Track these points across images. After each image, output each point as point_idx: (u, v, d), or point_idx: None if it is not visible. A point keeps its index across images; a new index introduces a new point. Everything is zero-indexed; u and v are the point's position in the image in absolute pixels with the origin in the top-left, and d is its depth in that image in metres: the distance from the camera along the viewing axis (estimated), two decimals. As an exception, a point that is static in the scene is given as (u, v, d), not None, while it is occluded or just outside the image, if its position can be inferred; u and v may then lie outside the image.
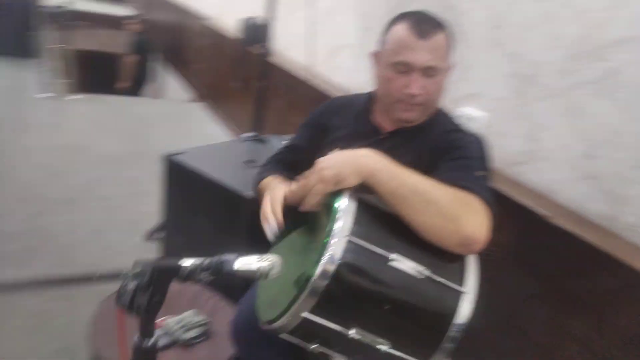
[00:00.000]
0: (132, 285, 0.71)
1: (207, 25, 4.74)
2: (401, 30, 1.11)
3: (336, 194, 0.95)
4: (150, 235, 2.48)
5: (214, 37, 4.62)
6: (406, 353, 0.93)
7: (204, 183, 1.97)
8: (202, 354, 1.41)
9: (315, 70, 3.21)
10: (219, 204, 1.97)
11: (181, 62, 5.79)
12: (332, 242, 0.86)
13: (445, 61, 1.14)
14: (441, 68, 1.13)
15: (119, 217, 2.69)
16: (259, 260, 0.92)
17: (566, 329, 1.60)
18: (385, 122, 1.25)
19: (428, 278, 0.92)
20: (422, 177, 0.96)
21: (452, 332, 0.91)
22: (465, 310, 0.92)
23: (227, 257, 0.89)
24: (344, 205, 0.91)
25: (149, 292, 0.71)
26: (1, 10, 5.41)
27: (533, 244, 1.70)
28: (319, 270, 0.84)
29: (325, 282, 0.84)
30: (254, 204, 1.24)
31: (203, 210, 2.06)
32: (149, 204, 2.31)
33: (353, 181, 0.94)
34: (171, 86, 6.42)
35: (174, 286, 1.61)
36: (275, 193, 1.12)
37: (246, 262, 0.91)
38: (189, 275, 0.77)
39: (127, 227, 2.60)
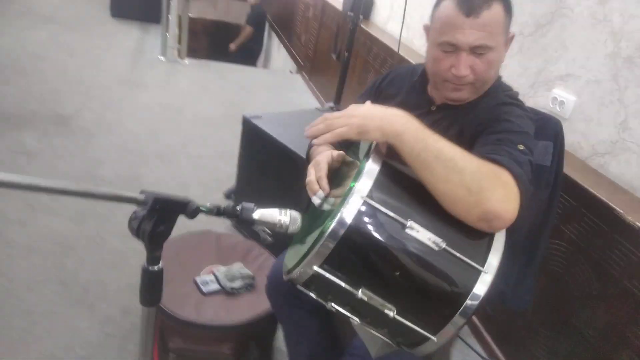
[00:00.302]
0: (141, 212, 0.77)
1: (317, -4, 4.79)
2: (448, 6, 1.04)
3: (367, 154, 0.94)
4: (229, 194, 2.64)
5: (320, 9, 4.66)
6: (412, 322, 0.90)
7: (273, 145, 2.05)
8: (242, 303, 1.49)
9: (412, 46, 3.13)
10: (284, 166, 2.03)
11: (289, 33, 5.94)
12: (349, 200, 0.85)
13: (499, 37, 1.05)
14: (493, 45, 1.04)
15: (204, 174, 2.88)
16: (280, 214, 0.97)
17: (624, 335, 1.45)
18: (437, 95, 1.20)
19: (445, 250, 0.87)
20: (451, 144, 0.90)
21: (463, 310, 0.86)
22: (480, 289, 0.86)
23: (246, 205, 0.94)
24: (368, 166, 0.90)
25: (152, 222, 0.77)
26: (134, -22, 5.93)
27: (603, 241, 1.55)
28: (331, 226, 0.84)
29: (336, 239, 0.84)
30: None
31: (271, 170, 2.14)
32: (232, 165, 2.45)
33: (376, 136, 0.91)
34: (278, 57, 6.63)
35: (230, 239, 1.73)
36: (320, 160, 1.11)
37: (268, 214, 0.96)
38: (195, 213, 0.82)
39: (211, 184, 2.78)
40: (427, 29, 1.14)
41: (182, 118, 3.62)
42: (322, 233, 0.86)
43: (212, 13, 9.35)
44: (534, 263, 1.51)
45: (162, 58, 4.82)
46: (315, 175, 1.06)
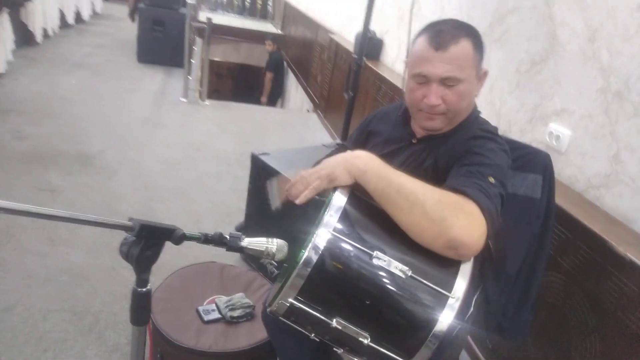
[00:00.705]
0: (130, 238, 0.85)
1: (332, 39, 4.98)
2: (421, 42, 1.14)
3: (334, 190, 1.01)
4: (239, 228, 2.72)
5: (334, 51, 4.84)
6: (387, 349, 0.94)
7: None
8: (241, 331, 1.54)
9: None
10: (290, 202, 2.10)
11: (306, 74, 6.15)
12: (318, 232, 0.92)
13: (468, 70, 1.13)
14: (462, 78, 1.12)
15: (218, 209, 2.98)
16: (267, 242, 1.04)
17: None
18: (417, 129, 1.27)
19: (411, 278, 0.92)
20: (412, 179, 0.97)
21: (434, 334, 0.90)
22: (448, 314, 0.91)
23: (234, 233, 1.01)
24: (335, 200, 0.97)
25: (139, 247, 0.85)
26: (162, 25, 6.27)
27: (597, 273, 1.55)
28: (302, 259, 0.90)
29: (307, 272, 0.90)
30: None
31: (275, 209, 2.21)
32: (244, 200, 2.55)
33: (345, 179, 1.00)
34: (296, 96, 6.84)
35: (234, 270, 1.79)
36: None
37: (255, 242, 1.03)
38: (181, 239, 0.89)
39: (223, 218, 2.88)
40: (406, 64, 1.23)
41: (199, 155, 3.77)
42: (294, 266, 0.92)
43: (236, 56, 9.74)
44: (530, 295, 1.53)
45: (183, 99, 5.05)
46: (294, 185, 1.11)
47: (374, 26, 3.70)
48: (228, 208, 2.99)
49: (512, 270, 1.51)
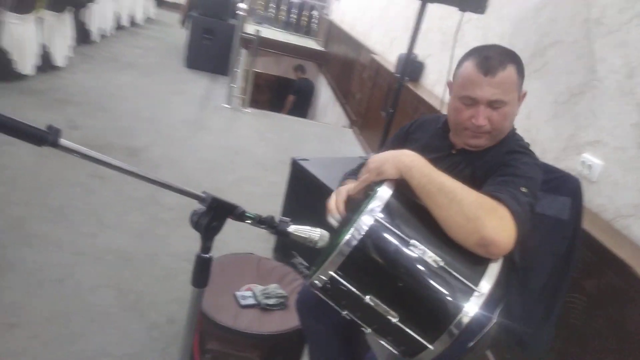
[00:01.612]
0: (201, 209, 0.99)
1: (373, 59, 5.13)
2: (469, 66, 1.23)
3: (381, 184, 1.12)
4: (273, 229, 2.84)
5: (375, 70, 4.99)
6: (412, 330, 1.02)
7: (316, 186, 2.25)
8: (274, 318, 1.65)
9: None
10: (325, 206, 2.22)
11: (346, 91, 6.30)
12: (362, 218, 1.02)
13: (512, 93, 1.23)
14: (507, 100, 1.22)
15: (253, 210, 3.11)
16: (311, 231, 1.15)
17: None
18: (457, 141, 1.38)
19: (442, 269, 1.01)
20: (453, 179, 1.07)
21: (457, 322, 0.97)
22: (472, 307, 0.98)
23: (283, 218, 1.14)
24: (381, 191, 1.08)
25: (208, 217, 0.98)
26: (212, 34, 6.54)
27: (622, 299, 1.61)
28: (345, 237, 1.00)
29: (349, 249, 1.00)
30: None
31: (312, 209, 2.32)
32: (278, 204, 2.69)
33: (392, 173, 1.10)
34: (333, 112, 7.00)
35: (270, 263, 1.91)
36: (341, 189, 1.29)
37: (301, 229, 1.15)
38: (241, 217, 1.02)
39: (258, 219, 3.01)
40: (450, 84, 1.34)
41: (239, 159, 3.93)
42: (337, 243, 1.03)
43: (275, 69, 10.02)
44: (553, 313, 1.59)
45: (226, 106, 5.26)
46: (335, 200, 1.25)
47: (417, 49, 3.83)
48: (264, 211, 3.11)
49: (536, 285, 1.58)
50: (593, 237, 1.76)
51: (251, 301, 1.72)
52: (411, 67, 3.75)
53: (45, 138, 0.66)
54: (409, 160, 1.10)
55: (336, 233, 1.24)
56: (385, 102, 3.80)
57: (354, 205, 1.27)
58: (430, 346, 1.01)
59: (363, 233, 1.00)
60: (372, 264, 1.02)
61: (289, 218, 1.15)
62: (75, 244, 2.35)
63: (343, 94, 6.47)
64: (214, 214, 0.98)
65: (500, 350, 2.05)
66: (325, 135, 5.26)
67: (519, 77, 1.25)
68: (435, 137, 1.45)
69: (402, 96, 3.77)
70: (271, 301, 1.72)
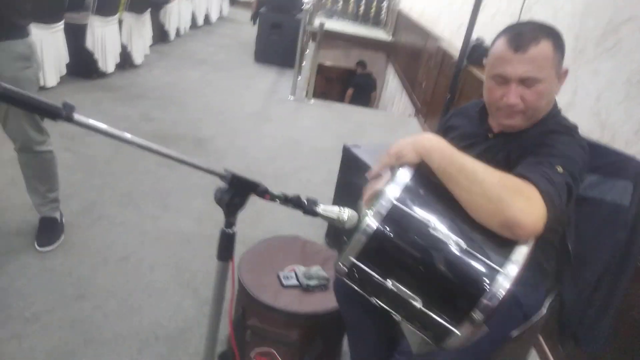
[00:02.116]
0: (224, 186, 1.02)
1: (439, 47, 5.00)
2: (500, 44, 1.18)
3: (401, 166, 1.10)
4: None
5: (441, 57, 4.85)
6: (437, 315, 0.99)
7: (365, 171, 2.24)
8: (314, 299, 1.67)
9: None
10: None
11: (413, 80, 6.19)
12: (381, 201, 1.00)
13: (547, 70, 1.16)
14: (541, 77, 1.15)
15: (310, 196, 3.16)
16: (340, 211, 1.16)
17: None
18: (494, 124, 1.32)
19: (466, 251, 0.96)
20: (475, 160, 1.02)
21: (482, 307, 0.93)
22: (497, 289, 0.93)
23: (311, 198, 1.15)
24: (400, 174, 1.05)
25: (230, 194, 1.01)
26: (280, 28, 6.68)
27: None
28: (365, 222, 0.99)
29: (368, 234, 0.98)
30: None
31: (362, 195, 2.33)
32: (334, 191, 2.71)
33: (412, 157, 1.06)
34: (400, 102, 6.89)
35: (314, 246, 1.94)
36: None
37: (329, 209, 1.16)
38: (263, 194, 1.04)
39: (314, 206, 3.05)
40: (485, 64, 1.28)
41: (300, 148, 4.00)
42: (357, 229, 1.02)
43: (345, 61, 10.02)
44: (611, 306, 1.48)
45: (291, 97, 5.36)
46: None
47: (484, 33, 3.67)
48: (319, 196, 3.14)
49: (592, 277, 1.48)
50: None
51: (293, 281, 1.75)
52: (477, 52, 3.60)
53: (60, 113, 0.71)
54: (428, 144, 1.06)
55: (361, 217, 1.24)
56: (450, 89, 3.68)
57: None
58: (456, 331, 0.97)
59: (381, 218, 0.98)
60: (392, 249, 1.00)
61: (316, 198, 1.16)
62: (139, 225, 2.52)
63: (410, 83, 6.35)
64: (235, 191, 1.01)
65: (554, 343, 1.94)
66: (389, 124, 5.20)
67: (556, 53, 1.17)
68: (474, 123, 1.40)
69: (468, 82, 3.65)
70: (312, 282, 1.74)
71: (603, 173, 1.45)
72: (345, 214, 1.16)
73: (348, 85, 8.58)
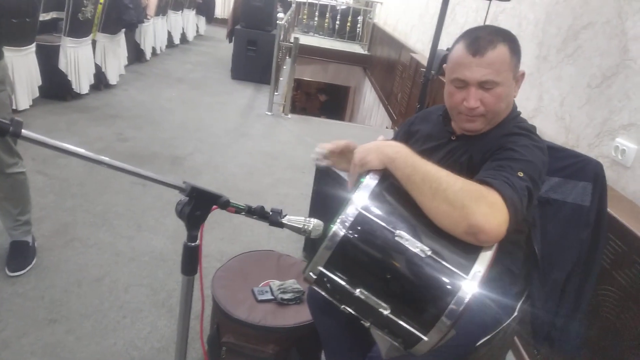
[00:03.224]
0: (184, 199, 1.02)
1: (412, 58, 5.08)
2: (458, 49, 1.21)
3: (367, 173, 1.11)
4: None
5: (414, 69, 4.93)
6: (405, 322, 0.99)
7: (338, 183, 2.26)
8: (289, 312, 1.67)
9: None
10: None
11: (388, 92, 6.26)
12: (347, 209, 1.01)
13: (505, 74, 1.19)
14: (499, 81, 1.18)
15: (287, 210, 3.15)
16: (305, 221, 1.17)
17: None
18: (456, 127, 1.34)
19: (430, 258, 0.97)
20: (438, 168, 1.03)
21: (449, 312, 0.94)
22: (463, 295, 0.94)
23: (275, 209, 1.16)
24: (366, 182, 1.07)
25: (190, 206, 1.01)
26: (255, 45, 6.72)
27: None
28: (331, 232, 0.99)
29: (334, 243, 0.99)
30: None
31: (336, 207, 2.34)
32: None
33: (375, 165, 1.08)
34: (377, 114, 6.97)
35: (290, 259, 1.93)
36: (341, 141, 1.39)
37: (294, 219, 1.17)
38: (225, 206, 1.05)
39: (292, 220, 3.05)
40: (445, 69, 1.31)
41: (276, 163, 4.01)
42: (324, 238, 1.03)
43: (323, 76, 10.11)
44: (581, 306, 1.51)
45: (268, 113, 5.37)
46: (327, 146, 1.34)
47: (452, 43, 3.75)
48: (297, 211, 3.15)
49: (559, 277, 1.50)
50: (626, 226, 1.66)
51: (268, 296, 1.74)
52: (431, 63, 3.65)
53: (6, 128, 0.71)
54: (392, 152, 1.08)
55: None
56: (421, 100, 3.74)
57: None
58: (424, 337, 0.98)
59: (347, 225, 0.99)
60: (359, 257, 1.01)
61: (280, 209, 1.17)
62: (114, 246, 2.49)
63: (386, 96, 6.43)
64: (196, 203, 1.02)
65: (528, 346, 1.96)
66: (366, 137, 5.19)
67: (513, 57, 1.20)
68: (436, 126, 1.42)
69: (440, 92, 3.70)
70: (287, 296, 1.73)
71: (564, 175, 1.48)
72: (311, 224, 1.17)
73: (339, 98, 8.70)
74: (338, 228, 0.99)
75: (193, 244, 1.07)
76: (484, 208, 0.98)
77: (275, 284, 1.79)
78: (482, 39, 1.18)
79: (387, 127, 5.89)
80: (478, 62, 1.17)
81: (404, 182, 1.05)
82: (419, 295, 1.00)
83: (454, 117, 1.31)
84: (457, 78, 1.21)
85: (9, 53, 3.43)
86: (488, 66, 1.17)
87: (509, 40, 1.21)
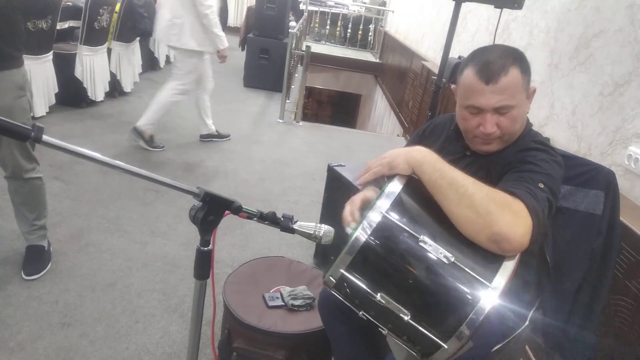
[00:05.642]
0: (198, 204, 1.04)
1: (423, 66, 5.09)
2: (469, 75, 1.20)
3: (392, 178, 1.11)
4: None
5: (425, 77, 4.94)
6: (425, 328, 0.98)
7: (350, 190, 2.27)
8: (300, 318, 1.68)
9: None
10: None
11: (400, 100, 6.27)
12: (371, 214, 1.00)
13: (519, 96, 1.19)
14: (514, 104, 1.19)
15: (297, 217, 3.17)
16: (316, 227, 1.18)
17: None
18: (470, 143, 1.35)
19: (453, 264, 0.96)
20: (465, 175, 1.04)
21: (470, 321, 0.93)
22: (484, 306, 0.93)
23: (287, 215, 1.17)
24: (390, 187, 1.05)
25: (204, 211, 1.03)
26: (267, 53, 6.78)
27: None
28: (354, 235, 0.99)
29: (357, 247, 0.99)
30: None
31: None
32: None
33: (403, 168, 1.08)
34: (389, 122, 6.97)
35: (300, 266, 1.95)
36: (354, 198, 1.27)
37: (305, 225, 1.18)
38: (237, 211, 1.06)
39: (303, 227, 3.07)
40: (454, 90, 1.32)
41: (288, 170, 4.03)
42: (347, 241, 1.03)
43: (335, 84, 10.15)
44: (593, 316, 1.49)
45: (280, 120, 5.41)
46: (350, 210, 1.22)
47: (466, 51, 3.75)
48: (308, 217, 3.18)
49: (571, 286, 1.49)
50: (637, 234, 1.64)
51: (278, 302, 1.75)
52: (457, 69, 3.66)
53: (28, 134, 0.74)
54: (420, 156, 1.08)
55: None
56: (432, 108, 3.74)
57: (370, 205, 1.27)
58: (444, 345, 0.97)
59: (371, 230, 0.98)
60: (381, 262, 1.01)
61: (291, 215, 1.18)
62: (127, 251, 2.52)
63: (397, 103, 6.44)
64: (209, 208, 1.04)
65: (540, 355, 1.94)
66: (377, 144, 5.25)
67: (525, 76, 1.20)
68: (449, 140, 1.43)
69: (452, 99, 3.70)
70: (297, 302, 1.74)
71: (576, 183, 1.48)
72: (322, 230, 1.19)
73: (349, 106, 8.70)
74: (360, 233, 0.99)
75: (206, 249, 1.08)
76: (509, 216, 0.98)
77: (286, 290, 1.80)
78: (493, 63, 1.18)
79: (398, 135, 5.89)
80: (492, 89, 1.17)
81: (430, 186, 1.05)
82: (440, 302, 0.99)
83: (468, 140, 1.31)
84: (472, 105, 1.22)
85: (27, 61, 3.48)
86: (502, 92, 1.17)
87: (519, 60, 1.21)
